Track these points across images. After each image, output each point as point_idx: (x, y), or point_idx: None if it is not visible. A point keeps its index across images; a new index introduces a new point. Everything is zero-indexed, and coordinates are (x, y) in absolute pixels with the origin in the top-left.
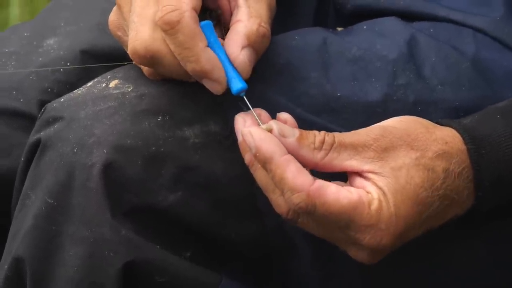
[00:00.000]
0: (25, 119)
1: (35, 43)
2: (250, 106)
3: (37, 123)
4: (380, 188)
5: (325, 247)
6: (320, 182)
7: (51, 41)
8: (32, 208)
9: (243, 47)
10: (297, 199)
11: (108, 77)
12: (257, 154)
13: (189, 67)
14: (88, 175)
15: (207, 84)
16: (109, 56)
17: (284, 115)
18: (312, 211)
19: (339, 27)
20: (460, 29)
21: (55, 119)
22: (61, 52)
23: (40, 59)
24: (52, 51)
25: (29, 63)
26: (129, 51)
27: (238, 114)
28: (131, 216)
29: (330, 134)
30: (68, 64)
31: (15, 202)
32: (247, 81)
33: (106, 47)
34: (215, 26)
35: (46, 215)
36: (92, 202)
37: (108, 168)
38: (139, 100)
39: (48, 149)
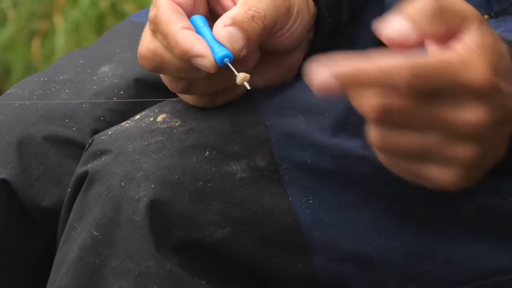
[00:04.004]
0: (76, 148)
1: (89, 70)
2: (235, 72)
3: (84, 155)
4: (461, 45)
5: (376, 283)
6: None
7: (105, 69)
8: (77, 240)
9: (225, 25)
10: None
11: (156, 110)
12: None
13: (175, 53)
14: (134, 208)
15: (196, 63)
16: (163, 85)
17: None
18: (420, 73)
19: None
20: None
21: (102, 152)
22: (115, 80)
23: (94, 87)
24: (106, 79)
25: (83, 91)
26: (138, 58)
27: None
28: (177, 250)
29: None
30: (122, 92)
31: (60, 232)
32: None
33: (159, 76)
34: None
35: (91, 248)
36: (137, 235)
37: (155, 203)
38: (186, 134)
39: (95, 182)
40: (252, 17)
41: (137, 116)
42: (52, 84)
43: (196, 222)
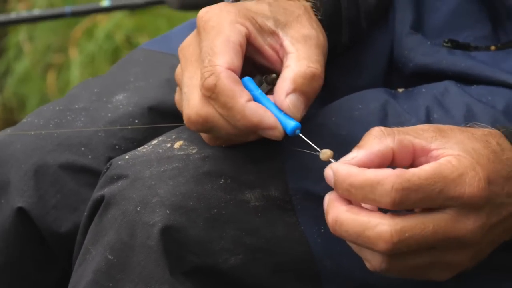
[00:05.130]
0: (92, 176)
1: (104, 99)
2: (309, 142)
3: (102, 179)
4: (453, 154)
5: None
6: (399, 169)
7: (120, 97)
8: (92, 263)
9: (287, 94)
10: (388, 185)
11: (173, 137)
12: (338, 185)
13: (239, 125)
14: (149, 233)
15: (265, 134)
16: (177, 113)
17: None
18: (406, 187)
19: (399, 85)
20: None
21: (119, 177)
22: (130, 108)
23: (109, 115)
24: (121, 107)
25: (98, 119)
26: (184, 120)
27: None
28: (190, 275)
29: (383, 127)
30: (136, 121)
31: (76, 255)
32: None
33: (174, 104)
34: (272, 89)
35: (106, 271)
36: (151, 260)
37: (169, 228)
38: (202, 162)
39: (111, 206)
40: (313, 77)
41: (154, 142)
42: (68, 113)
43: (209, 248)
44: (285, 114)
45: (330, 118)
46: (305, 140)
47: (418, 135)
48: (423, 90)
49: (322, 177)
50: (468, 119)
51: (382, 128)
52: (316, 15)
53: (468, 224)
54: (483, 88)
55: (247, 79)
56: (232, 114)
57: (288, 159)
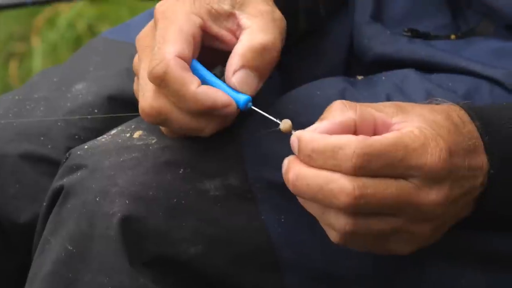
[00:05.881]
0: (52, 165)
1: (63, 88)
2: (263, 113)
3: (61, 169)
4: (414, 126)
5: None
6: (362, 135)
7: (79, 86)
8: (51, 253)
9: (234, 71)
10: (350, 149)
11: (132, 126)
12: (301, 151)
13: (193, 111)
14: (108, 223)
15: (222, 113)
16: (136, 103)
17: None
18: (368, 152)
19: (359, 74)
20: (478, 83)
21: (78, 167)
22: (89, 98)
23: (68, 104)
24: (80, 96)
25: (57, 109)
26: (140, 113)
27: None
28: (150, 265)
29: (344, 101)
30: (96, 110)
31: (35, 245)
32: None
33: (133, 94)
34: None
35: (65, 262)
36: (111, 250)
37: (128, 218)
38: (162, 151)
39: (70, 196)
40: (263, 49)
41: (113, 131)
42: (27, 102)
43: (169, 238)
44: (234, 90)
45: (289, 106)
46: (263, 120)
47: (379, 109)
48: (383, 78)
49: (281, 165)
50: None
51: (344, 101)
52: None
53: (431, 195)
54: (443, 76)
55: (193, 61)
56: (184, 101)
57: (247, 147)
